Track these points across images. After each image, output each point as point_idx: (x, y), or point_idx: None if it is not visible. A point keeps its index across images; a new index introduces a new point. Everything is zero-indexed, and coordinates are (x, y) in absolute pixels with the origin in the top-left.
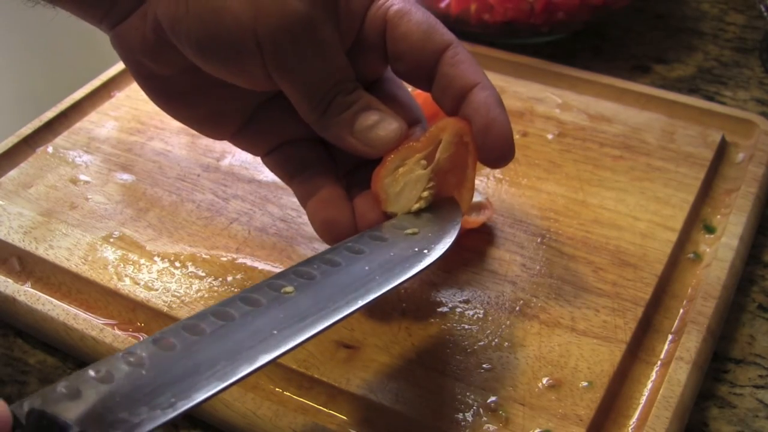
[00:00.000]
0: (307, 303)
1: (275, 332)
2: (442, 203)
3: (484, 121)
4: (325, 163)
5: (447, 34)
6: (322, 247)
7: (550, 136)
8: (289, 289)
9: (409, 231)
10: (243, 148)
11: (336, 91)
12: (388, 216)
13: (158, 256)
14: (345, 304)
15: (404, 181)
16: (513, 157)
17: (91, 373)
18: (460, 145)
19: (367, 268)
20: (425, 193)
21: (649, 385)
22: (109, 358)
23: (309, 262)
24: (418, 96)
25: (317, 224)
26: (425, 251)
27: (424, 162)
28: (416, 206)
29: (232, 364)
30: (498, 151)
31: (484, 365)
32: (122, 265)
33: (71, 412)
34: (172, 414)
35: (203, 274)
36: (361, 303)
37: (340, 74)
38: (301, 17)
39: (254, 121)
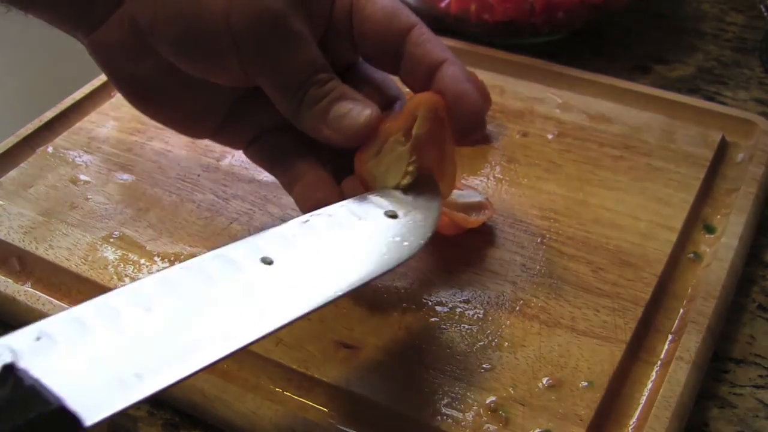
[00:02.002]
0: (287, 282)
1: (256, 312)
2: (423, 184)
3: (455, 94)
4: (307, 149)
5: (411, 16)
6: None
7: (550, 136)
8: (269, 258)
9: (388, 212)
10: (224, 144)
11: (309, 83)
12: None
13: (158, 256)
14: (324, 290)
15: (387, 161)
16: (484, 130)
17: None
18: (436, 120)
19: (345, 250)
20: (410, 168)
21: (649, 385)
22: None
23: (290, 227)
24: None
25: (307, 208)
26: (405, 243)
27: (402, 139)
28: (405, 181)
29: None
30: (470, 122)
31: (484, 365)
32: (122, 265)
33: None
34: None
35: None
36: (339, 294)
37: (312, 67)
38: (273, 12)
39: (232, 116)
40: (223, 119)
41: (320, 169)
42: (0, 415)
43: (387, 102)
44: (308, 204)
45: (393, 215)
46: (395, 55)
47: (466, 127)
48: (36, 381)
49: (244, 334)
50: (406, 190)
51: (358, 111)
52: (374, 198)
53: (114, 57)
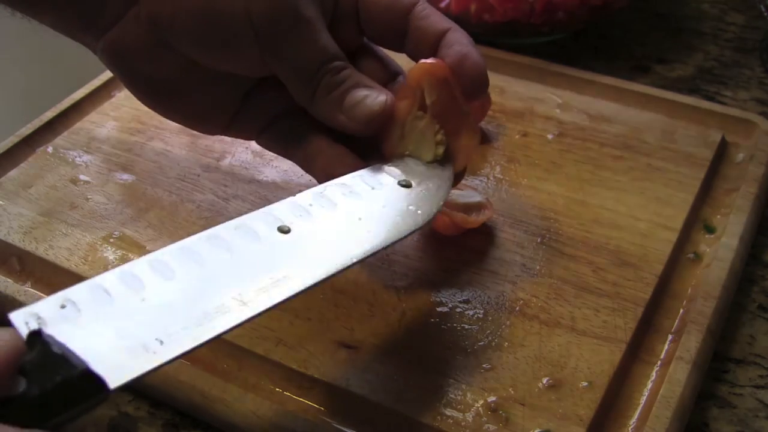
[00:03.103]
0: (304, 249)
1: (271, 278)
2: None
3: (458, 55)
4: (321, 130)
5: None
6: None
7: (550, 136)
8: (286, 227)
9: (402, 181)
10: (236, 137)
11: (324, 71)
12: None
13: None
14: (339, 260)
15: (415, 139)
16: (488, 86)
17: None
18: (442, 84)
19: (360, 218)
20: (439, 137)
21: (649, 385)
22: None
23: (306, 197)
24: None
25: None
26: (419, 211)
27: (420, 113)
28: (440, 151)
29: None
30: (475, 80)
31: (484, 365)
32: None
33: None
34: (167, 357)
35: None
36: (354, 260)
37: (326, 54)
38: (290, 0)
39: (244, 107)
40: (235, 112)
41: (339, 145)
42: (28, 379)
43: (391, 77)
44: (336, 175)
45: (407, 184)
46: (400, 34)
47: (472, 85)
48: (62, 346)
49: (262, 301)
50: (443, 160)
51: (374, 98)
52: (388, 168)
53: (130, 58)
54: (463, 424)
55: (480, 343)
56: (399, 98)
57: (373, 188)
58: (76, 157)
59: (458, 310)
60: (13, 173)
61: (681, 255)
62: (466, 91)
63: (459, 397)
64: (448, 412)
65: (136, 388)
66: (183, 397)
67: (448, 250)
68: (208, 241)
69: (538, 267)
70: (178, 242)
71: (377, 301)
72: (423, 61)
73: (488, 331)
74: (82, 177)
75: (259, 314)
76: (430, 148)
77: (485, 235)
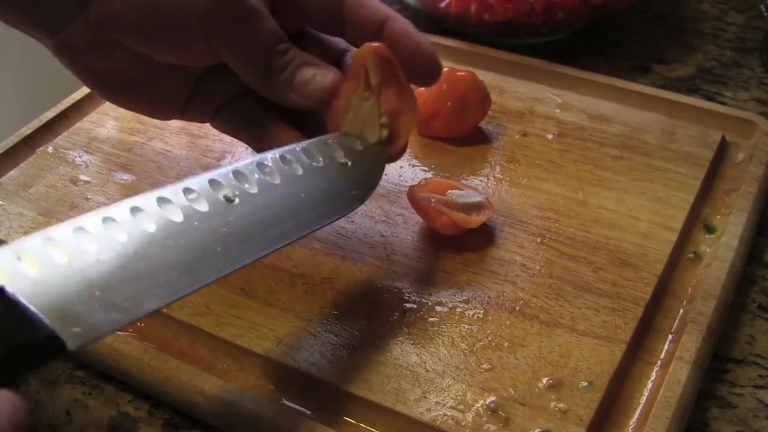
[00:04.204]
0: (248, 222)
1: (219, 249)
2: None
3: (410, 47)
4: (270, 110)
5: None
6: (318, 246)
7: (550, 136)
8: (231, 196)
9: (341, 160)
10: (190, 120)
11: (273, 53)
12: None
13: None
14: (281, 233)
15: (361, 119)
16: (441, 72)
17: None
18: (385, 63)
19: (303, 195)
20: (383, 119)
21: (649, 385)
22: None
23: (249, 168)
24: (419, 95)
25: None
26: (353, 192)
27: (367, 94)
28: (384, 133)
29: (177, 277)
30: (429, 69)
31: (484, 365)
32: None
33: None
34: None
35: None
36: (295, 237)
37: (273, 37)
38: None
39: (196, 92)
40: (188, 98)
41: (292, 129)
42: None
43: (338, 55)
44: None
45: (345, 164)
46: (338, 21)
47: (426, 73)
48: (24, 305)
49: (206, 274)
50: (384, 142)
51: (322, 75)
52: (330, 144)
53: (81, 56)
54: (463, 424)
55: (480, 343)
56: (345, 79)
57: (313, 165)
58: (76, 157)
59: (458, 310)
60: (13, 173)
61: (681, 255)
62: (421, 78)
63: (459, 397)
64: (448, 412)
65: (136, 388)
66: (183, 397)
67: (448, 250)
68: (159, 203)
69: (538, 267)
70: (128, 199)
71: (377, 301)
72: (367, 44)
73: (488, 331)
74: (82, 177)
75: (206, 285)
76: (375, 129)
77: (485, 235)
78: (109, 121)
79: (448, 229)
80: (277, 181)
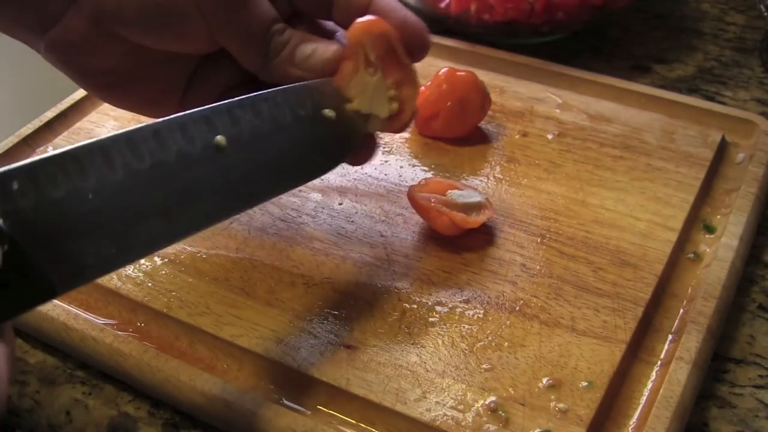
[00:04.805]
0: (237, 172)
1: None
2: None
3: (398, 21)
4: None
5: None
6: (318, 246)
7: (550, 136)
8: (222, 141)
9: (328, 113)
10: None
11: (271, 34)
12: None
13: (158, 256)
14: (267, 186)
15: (368, 96)
16: (430, 46)
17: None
18: (383, 40)
19: (288, 146)
20: (391, 92)
21: (649, 385)
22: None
23: (242, 106)
24: (419, 95)
25: None
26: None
27: (371, 70)
28: (395, 106)
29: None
30: (418, 43)
31: (484, 365)
32: None
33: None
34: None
35: (203, 274)
36: (277, 192)
37: (270, 19)
38: None
39: (192, 85)
40: (183, 92)
41: None
42: None
43: (328, 36)
44: None
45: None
46: (326, 3)
47: (416, 48)
48: (22, 250)
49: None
50: (394, 116)
51: (324, 47)
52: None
53: (75, 53)
54: (463, 424)
55: (480, 343)
56: (344, 56)
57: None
58: None
59: (458, 310)
60: None
61: (681, 255)
62: (412, 52)
63: (459, 397)
64: (448, 412)
65: (136, 388)
66: (183, 397)
67: (448, 250)
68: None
69: (538, 267)
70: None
71: (377, 301)
72: (359, 20)
73: (488, 331)
74: None
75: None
76: (385, 103)
77: (485, 235)
78: (109, 121)
79: (448, 229)
80: (266, 133)
